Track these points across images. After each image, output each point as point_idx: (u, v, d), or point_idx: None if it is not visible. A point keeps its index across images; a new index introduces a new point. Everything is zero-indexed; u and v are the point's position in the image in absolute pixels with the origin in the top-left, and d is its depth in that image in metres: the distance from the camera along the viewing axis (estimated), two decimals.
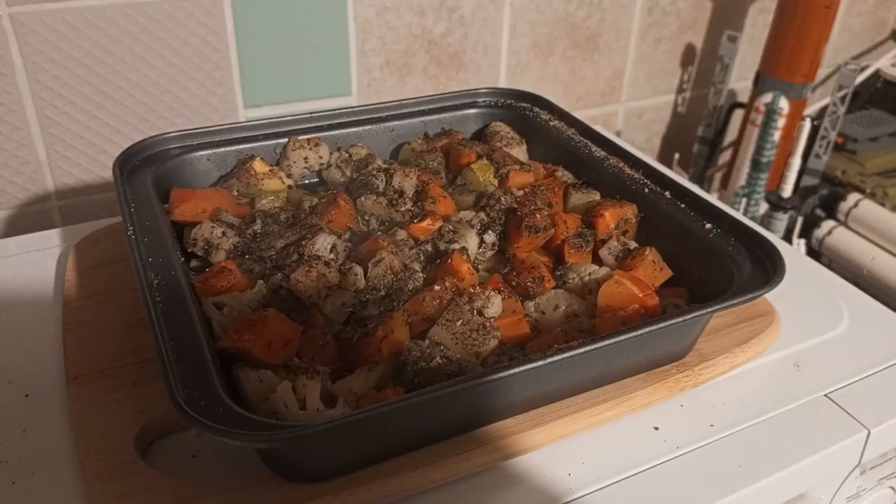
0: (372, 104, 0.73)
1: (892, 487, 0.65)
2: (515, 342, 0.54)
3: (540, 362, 0.45)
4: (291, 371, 0.49)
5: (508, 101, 0.77)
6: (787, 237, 1.09)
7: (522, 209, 0.62)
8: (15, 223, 0.94)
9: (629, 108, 1.30)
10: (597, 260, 0.61)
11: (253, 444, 0.43)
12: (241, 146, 0.68)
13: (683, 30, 1.27)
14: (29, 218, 0.95)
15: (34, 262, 0.67)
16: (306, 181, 0.71)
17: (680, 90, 1.33)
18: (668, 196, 0.63)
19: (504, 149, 0.72)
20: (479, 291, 0.54)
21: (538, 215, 0.61)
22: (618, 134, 1.31)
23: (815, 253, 1.17)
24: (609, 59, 1.24)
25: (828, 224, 1.21)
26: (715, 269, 0.56)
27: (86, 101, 0.91)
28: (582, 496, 0.49)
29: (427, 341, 0.51)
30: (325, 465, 0.45)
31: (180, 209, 0.62)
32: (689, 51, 1.29)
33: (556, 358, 0.45)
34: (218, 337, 0.50)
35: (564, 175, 0.69)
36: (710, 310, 0.50)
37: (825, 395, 0.58)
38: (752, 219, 1.14)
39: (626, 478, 0.51)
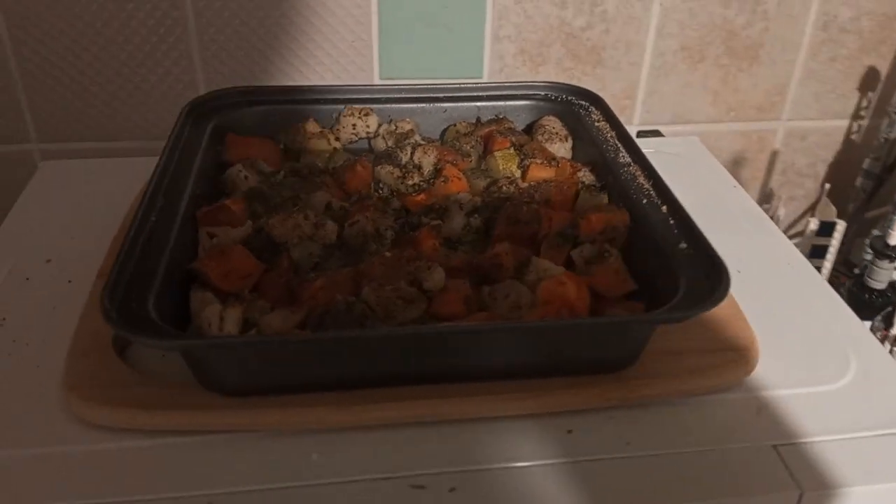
0: (429, 83, 0.78)
1: None
2: (448, 319, 0.56)
3: (399, 332, 0.48)
4: (238, 299, 0.56)
5: (569, 98, 0.78)
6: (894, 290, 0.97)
7: (515, 199, 0.64)
8: None
9: (791, 128, 1.21)
10: (570, 260, 0.61)
11: (134, 340, 0.49)
12: (305, 106, 0.76)
13: (865, 50, 1.15)
14: None
15: (126, 180, 0.79)
16: (357, 147, 0.77)
17: (856, 116, 1.21)
18: (664, 210, 0.61)
19: (544, 143, 0.73)
20: (424, 264, 0.57)
21: (524, 208, 0.62)
22: (774, 154, 1.23)
23: None
24: (771, 71, 1.16)
25: None
26: (669, 289, 0.55)
27: (244, 54, 1.04)
28: (460, 471, 0.51)
29: (355, 299, 0.55)
30: (225, 384, 0.52)
31: (230, 153, 0.71)
32: (871, 74, 1.17)
33: (422, 330, 0.48)
34: None
35: (585, 176, 0.69)
36: (593, 321, 0.49)
37: (773, 445, 0.54)
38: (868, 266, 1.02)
39: (513, 467, 0.52)
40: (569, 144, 0.75)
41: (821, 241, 1.11)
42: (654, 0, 1.09)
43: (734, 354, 0.58)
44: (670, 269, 0.56)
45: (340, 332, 0.50)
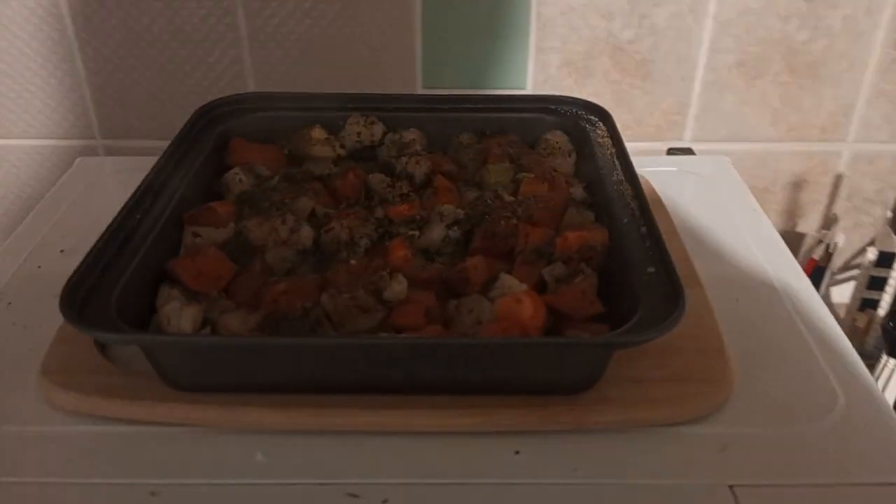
0: (438, 94, 0.77)
1: None
2: (406, 330, 0.56)
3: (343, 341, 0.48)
4: (199, 299, 0.57)
5: (578, 112, 0.76)
6: None
7: (495, 213, 0.63)
8: None
9: (857, 151, 1.14)
10: (542, 278, 0.60)
11: (78, 329, 0.51)
12: (314, 113, 0.78)
13: None
14: None
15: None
16: (365, 155, 0.78)
17: None
18: (643, 231, 0.59)
19: (544, 157, 0.72)
20: (387, 274, 0.57)
21: (503, 222, 0.61)
22: (838, 177, 1.16)
23: None
24: (835, 91, 1.09)
25: None
26: (630, 313, 0.53)
27: (291, 62, 1.07)
28: (395, 483, 0.51)
29: (314, 305, 0.56)
30: (176, 379, 0.53)
31: (233, 157, 0.74)
32: None
33: (363, 342, 0.48)
34: None
35: (577, 192, 0.67)
36: (515, 341, 0.48)
37: (729, 486, 0.51)
38: None
39: (450, 483, 0.51)
40: (572, 160, 0.73)
41: (880, 272, 1.04)
42: (708, 14, 1.05)
43: (702, 386, 0.55)
44: (635, 292, 0.54)
45: (267, 337, 0.51)
